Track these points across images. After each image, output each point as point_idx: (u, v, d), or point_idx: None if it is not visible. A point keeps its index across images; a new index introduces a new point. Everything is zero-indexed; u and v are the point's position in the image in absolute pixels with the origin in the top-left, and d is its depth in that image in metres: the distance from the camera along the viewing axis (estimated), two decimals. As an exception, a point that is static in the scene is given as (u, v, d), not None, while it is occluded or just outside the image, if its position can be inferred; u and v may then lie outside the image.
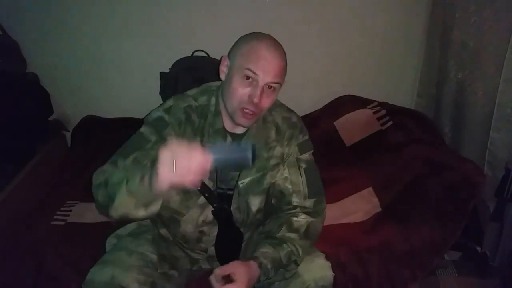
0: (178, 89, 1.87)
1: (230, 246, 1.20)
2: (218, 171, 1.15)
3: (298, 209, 1.19)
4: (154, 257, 1.17)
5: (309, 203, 1.19)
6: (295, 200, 1.19)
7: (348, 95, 2.21)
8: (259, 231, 1.24)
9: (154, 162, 0.87)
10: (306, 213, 1.19)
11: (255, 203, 1.20)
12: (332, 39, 2.19)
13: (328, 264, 1.13)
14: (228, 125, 1.14)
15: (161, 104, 1.17)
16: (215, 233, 1.19)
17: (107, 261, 1.10)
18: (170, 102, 1.15)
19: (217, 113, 1.14)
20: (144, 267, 1.11)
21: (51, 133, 2.15)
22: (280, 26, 2.10)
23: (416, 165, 1.75)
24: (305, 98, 2.27)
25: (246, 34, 1.11)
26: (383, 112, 2.04)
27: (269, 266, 1.07)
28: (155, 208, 0.95)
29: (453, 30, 1.88)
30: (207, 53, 2.00)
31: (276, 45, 1.08)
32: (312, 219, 1.19)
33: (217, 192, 1.16)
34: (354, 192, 1.77)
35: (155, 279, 1.11)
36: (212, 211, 1.16)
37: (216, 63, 2.04)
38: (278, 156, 1.19)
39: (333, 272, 1.14)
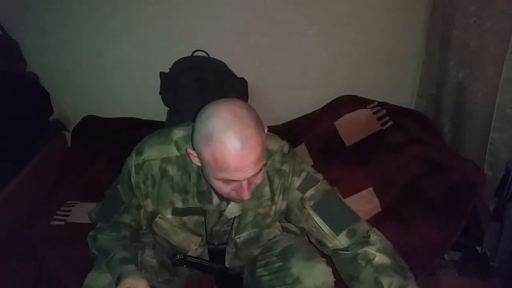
0: (178, 89, 1.87)
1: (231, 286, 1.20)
2: (207, 227, 1.11)
3: (343, 251, 1.09)
4: (153, 261, 1.16)
5: (343, 240, 1.08)
6: (330, 245, 1.09)
7: (348, 95, 2.21)
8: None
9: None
10: (355, 245, 1.08)
11: (256, 252, 1.18)
12: (332, 39, 2.19)
13: (329, 269, 1.09)
14: None
15: (139, 149, 1.06)
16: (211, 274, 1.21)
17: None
18: (147, 151, 1.04)
19: (200, 174, 1.02)
20: (143, 272, 1.10)
21: (51, 133, 2.16)
22: (280, 26, 2.11)
23: (416, 165, 1.74)
24: (305, 98, 2.27)
25: (202, 120, 0.90)
26: (383, 112, 2.04)
27: None
28: None
29: (453, 30, 1.88)
30: (207, 53, 2.01)
31: (243, 133, 0.86)
32: (377, 248, 1.07)
33: (207, 247, 1.15)
34: (354, 193, 1.77)
35: (154, 284, 1.10)
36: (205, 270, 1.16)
37: (216, 63, 2.05)
38: (272, 215, 1.13)
39: (334, 277, 1.13)
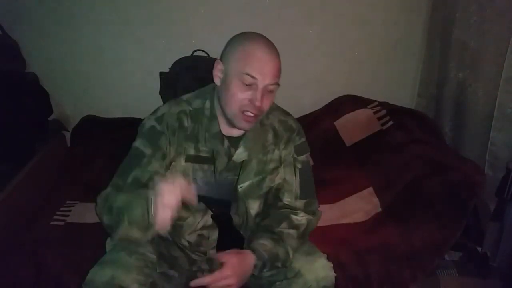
0: (178, 88, 1.87)
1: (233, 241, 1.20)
2: (216, 176, 1.14)
3: (289, 209, 1.19)
4: (153, 257, 1.16)
5: (299, 203, 1.20)
6: (286, 199, 1.20)
7: (348, 95, 2.21)
8: (258, 224, 1.24)
9: (152, 180, 1.04)
10: (303, 212, 1.20)
11: (254, 207, 1.20)
12: (332, 39, 2.19)
13: (330, 264, 1.13)
14: (224, 129, 1.14)
15: (153, 112, 1.16)
16: (214, 236, 1.19)
17: (107, 261, 1.10)
18: (163, 109, 1.14)
19: (213, 117, 1.13)
20: (144, 267, 1.11)
21: (51, 133, 2.15)
22: (280, 26, 2.11)
23: (416, 165, 1.74)
24: (305, 98, 2.27)
25: (237, 35, 1.09)
26: (384, 112, 2.04)
27: (265, 258, 1.07)
28: (154, 232, 0.98)
29: (453, 30, 1.88)
30: (207, 53, 2.00)
31: (270, 44, 1.06)
32: (311, 217, 1.20)
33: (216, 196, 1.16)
34: (354, 192, 1.77)
35: (155, 280, 1.11)
36: (211, 215, 1.16)
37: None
38: (276, 159, 1.19)
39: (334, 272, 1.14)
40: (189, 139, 1.13)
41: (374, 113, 2.05)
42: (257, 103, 1.03)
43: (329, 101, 2.23)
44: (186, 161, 1.14)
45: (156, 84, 1.91)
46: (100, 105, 2.24)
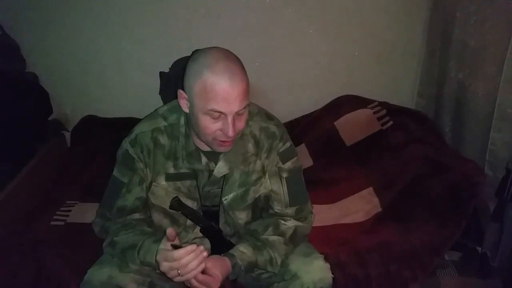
0: (178, 88, 1.87)
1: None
2: (200, 189, 1.14)
3: (279, 216, 1.19)
4: None
5: (290, 211, 1.19)
6: (277, 208, 1.19)
7: (348, 95, 2.21)
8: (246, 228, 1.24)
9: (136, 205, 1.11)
10: (293, 218, 1.19)
11: (242, 217, 1.19)
12: (332, 39, 2.19)
13: (327, 265, 1.13)
14: (201, 144, 1.10)
15: (130, 132, 1.14)
16: (207, 245, 1.19)
17: (104, 261, 1.10)
18: (137, 129, 1.12)
19: (188, 135, 1.10)
20: (142, 267, 1.11)
21: (51, 133, 2.16)
22: (280, 26, 2.11)
23: (416, 165, 1.74)
24: (305, 98, 2.28)
25: (195, 59, 1.00)
26: (383, 112, 2.04)
27: (242, 268, 1.07)
28: None
29: (453, 29, 1.88)
30: (207, 53, 2.01)
31: (231, 68, 0.97)
32: (300, 224, 1.19)
33: (202, 210, 1.16)
34: (354, 192, 1.77)
35: (153, 279, 1.11)
36: (200, 229, 1.16)
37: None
38: (259, 170, 1.17)
39: (332, 273, 1.14)
40: (169, 158, 1.11)
41: (374, 113, 2.05)
42: (230, 134, 0.99)
43: (329, 101, 2.23)
44: (167, 180, 1.13)
45: (156, 84, 1.91)
46: (100, 105, 2.24)
